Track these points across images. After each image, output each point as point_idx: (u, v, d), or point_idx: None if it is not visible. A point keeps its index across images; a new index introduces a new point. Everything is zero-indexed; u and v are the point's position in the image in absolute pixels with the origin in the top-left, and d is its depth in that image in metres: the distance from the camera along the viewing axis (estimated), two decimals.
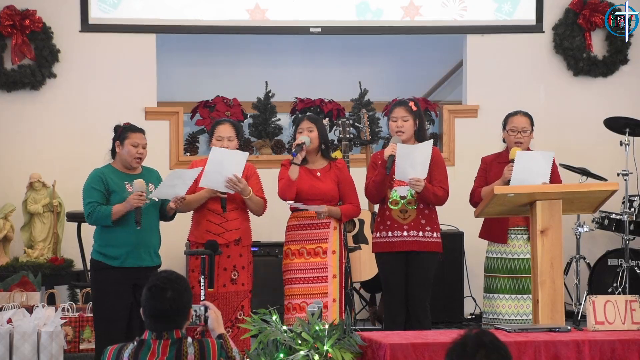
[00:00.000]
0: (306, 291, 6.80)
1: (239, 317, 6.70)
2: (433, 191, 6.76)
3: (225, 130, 6.88)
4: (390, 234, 6.83)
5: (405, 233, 6.80)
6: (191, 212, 6.92)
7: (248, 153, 6.96)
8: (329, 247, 6.87)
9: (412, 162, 6.64)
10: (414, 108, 6.90)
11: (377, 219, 6.96)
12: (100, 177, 6.58)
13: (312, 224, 6.88)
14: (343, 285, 6.91)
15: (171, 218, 6.76)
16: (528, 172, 6.62)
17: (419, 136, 6.95)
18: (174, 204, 6.60)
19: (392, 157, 6.68)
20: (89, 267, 6.90)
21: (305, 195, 6.81)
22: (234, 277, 6.79)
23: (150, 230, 6.60)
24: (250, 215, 6.99)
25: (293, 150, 6.82)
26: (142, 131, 6.69)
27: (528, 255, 6.91)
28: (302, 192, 6.81)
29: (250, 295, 6.86)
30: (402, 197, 6.82)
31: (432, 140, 6.80)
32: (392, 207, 6.84)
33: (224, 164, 6.65)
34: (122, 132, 6.63)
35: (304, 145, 6.81)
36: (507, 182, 6.72)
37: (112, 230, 6.53)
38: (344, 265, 6.95)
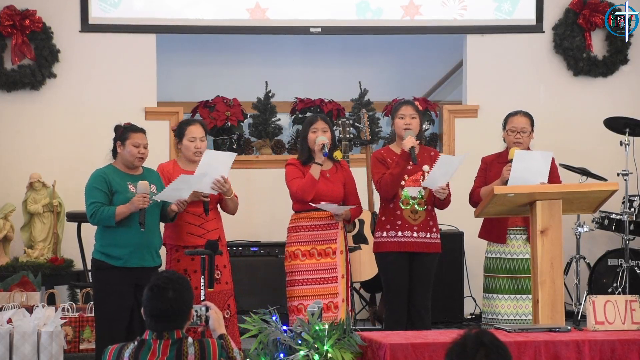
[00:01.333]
0: (319, 292, 6.83)
1: (226, 316, 6.71)
2: (448, 197, 6.83)
3: (197, 130, 6.91)
4: (400, 233, 6.85)
5: (415, 234, 6.85)
6: None
7: (236, 154, 6.98)
8: (337, 248, 6.90)
9: (446, 171, 6.70)
10: (421, 108, 7.01)
11: (381, 218, 6.95)
12: (103, 178, 6.56)
13: (323, 224, 6.91)
14: (349, 285, 6.94)
15: (172, 220, 6.75)
16: (527, 171, 6.62)
17: (419, 137, 6.99)
18: (177, 207, 6.60)
19: (414, 148, 6.73)
20: (90, 267, 6.90)
21: (319, 196, 6.84)
22: (217, 277, 6.80)
23: (152, 231, 6.59)
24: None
25: (324, 150, 6.84)
26: (142, 131, 6.69)
27: (527, 256, 6.92)
28: (317, 193, 6.83)
29: (234, 293, 6.88)
30: (413, 198, 6.85)
31: (468, 153, 6.86)
32: (403, 207, 6.86)
33: (214, 165, 6.67)
34: (123, 133, 6.63)
35: (326, 145, 6.86)
36: (506, 182, 6.73)
37: (115, 230, 6.51)
38: (349, 265, 6.99)
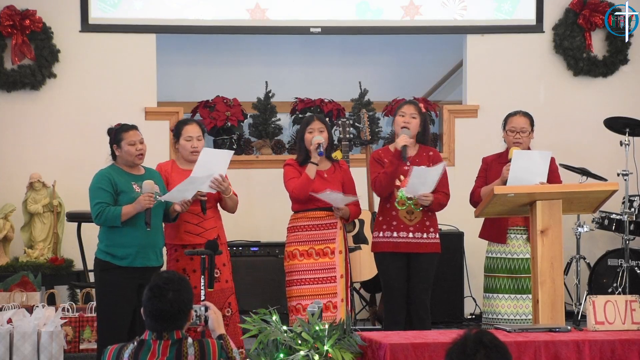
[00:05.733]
0: (316, 292, 6.83)
1: (227, 315, 6.71)
2: (438, 201, 6.83)
3: (194, 130, 6.91)
4: (395, 234, 6.85)
5: (410, 235, 6.84)
6: None
7: (233, 151, 6.98)
8: (336, 247, 6.90)
9: (424, 181, 6.69)
10: (423, 110, 7.03)
11: (379, 218, 6.96)
12: (109, 178, 6.52)
13: (320, 224, 6.92)
14: (349, 285, 6.94)
15: (174, 220, 6.74)
16: (525, 171, 6.63)
17: (422, 139, 6.99)
18: (180, 207, 6.60)
19: (406, 147, 6.74)
20: (92, 267, 6.87)
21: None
22: (217, 275, 6.79)
23: (156, 231, 6.58)
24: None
25: (319, 150, 6.84)
26: (134, 127, 6.65)
27: (527, 255, 6.92)
28: (314, 192, 6.83)
29: (234, 291, 6.88)
30: (409, 198, 6.85)
31: (444, 163, 6.84)
32: (399, 207, 6.85)
33: (211, 164, 6.66)
34: (116, 135, 6.60)
35: (322, 145, 6.86)
36: (506, 182, 6.74)
37: (120, 230, 6.48)
38: (348, 265, 6.99)
